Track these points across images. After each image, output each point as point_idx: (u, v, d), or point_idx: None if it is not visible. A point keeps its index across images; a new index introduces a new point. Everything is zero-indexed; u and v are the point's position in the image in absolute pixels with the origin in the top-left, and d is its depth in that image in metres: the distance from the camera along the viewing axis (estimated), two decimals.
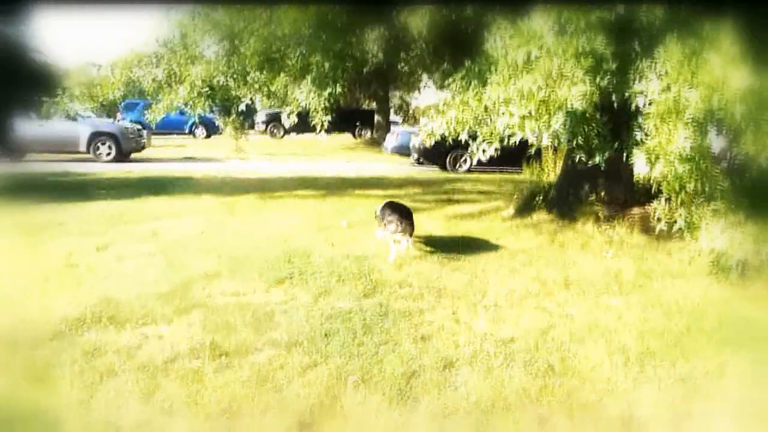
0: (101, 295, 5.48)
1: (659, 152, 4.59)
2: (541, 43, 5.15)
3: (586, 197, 8.67)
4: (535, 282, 6.19)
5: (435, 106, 6.12)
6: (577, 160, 5.60)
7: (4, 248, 7.02)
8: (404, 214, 7.04)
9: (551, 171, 15.41)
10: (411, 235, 6.98)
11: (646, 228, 7.99)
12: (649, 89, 4.86)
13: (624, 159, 5.50)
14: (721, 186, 4.70)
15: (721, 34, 4.75)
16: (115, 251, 7.03)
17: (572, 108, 4.75)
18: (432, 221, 9.04)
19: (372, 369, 4.26)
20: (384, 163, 19.93)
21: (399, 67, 15.13)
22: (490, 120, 5.46)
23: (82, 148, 17.07)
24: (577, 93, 4.72)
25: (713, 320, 5.15)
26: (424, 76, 22.89)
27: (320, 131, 8.27)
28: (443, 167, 17.86)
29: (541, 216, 8.85)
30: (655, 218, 5.36)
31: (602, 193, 8.57)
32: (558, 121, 4.75)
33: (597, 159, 5.51)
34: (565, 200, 8.89)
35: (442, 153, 17.52)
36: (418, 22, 8.87)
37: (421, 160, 18.96)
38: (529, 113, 4.83)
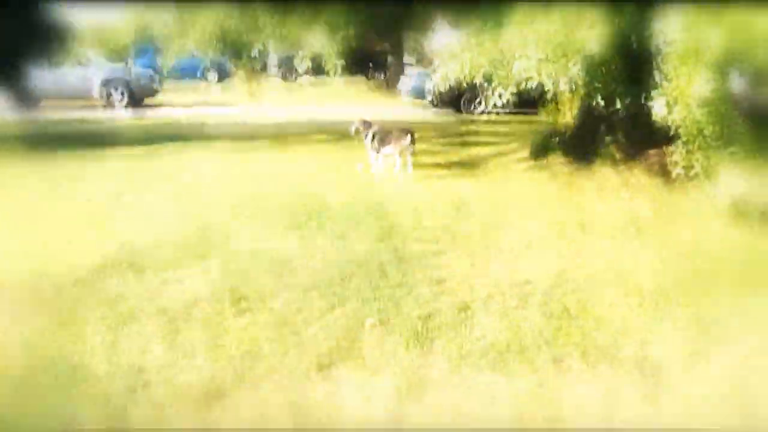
0: (121, 242, 5.56)
1: (678, 96, 4.49)
2: None
3: (602, 140, 8.54)
4: (550, 225, 6.19)
5: (450, 49, 5.99)
6: (595, 105, 5.49)
7: (23, 197, 7.12)
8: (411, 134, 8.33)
9: (567, 112, 15.19)
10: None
11: (664, 170, 7.90)
12: (669, 29, 4.73)
13: (642, 101, 5.41)
14: (740, 130, 4.60)
15: None
16: (132, 197, 7.09)
17: (590, 52, 4.63)
18: (446, 165, 9.01)
19: (388, 312, 4.31)
20: (398, 107, 19.73)
21: (413, 6, 14.78)
22: (506, 63, 5.34)
23: (95, 94, 17.03)
24: (595, 35, 4.60)
25: (731, 262, 5.14)
26: (440, 17, 22.36)
27: (334, 75, 8.18)
28: (458, 110, 17.67)
29: (557, 159, 8.77)
30: (672, 162, 5.28)
31: (619, 136, 8.43)
32: (576, 65, 4.63)
33: (617, 105, 5.41)
34: (581, 143, 8.77)
35: (456, 96, 17.28)
36: None
37: (436, 103, 18.74)
38: (546, 57, 4.72)
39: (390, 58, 28.91)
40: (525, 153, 9.41)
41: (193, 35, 8.54)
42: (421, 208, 6.70)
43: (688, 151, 4.86)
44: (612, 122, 8.55)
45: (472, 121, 15.27)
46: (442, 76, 6.02)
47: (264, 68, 29.81)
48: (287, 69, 29.26)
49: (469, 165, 9.02)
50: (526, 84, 5.19)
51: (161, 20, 8.55)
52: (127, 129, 12.72)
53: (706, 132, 4.56)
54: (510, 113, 15.27)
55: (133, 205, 6.84)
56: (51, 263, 5.11)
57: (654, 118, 8.64)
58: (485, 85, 5.67)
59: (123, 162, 8.95)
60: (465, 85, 6.18)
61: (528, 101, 7.71)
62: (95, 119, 14.38)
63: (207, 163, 9.06)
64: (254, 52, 9.50)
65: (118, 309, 4.32)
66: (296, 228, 6.03)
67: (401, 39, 28.69)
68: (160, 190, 7.42)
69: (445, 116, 16.59)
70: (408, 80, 21.38)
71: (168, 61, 9.14)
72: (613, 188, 7.52)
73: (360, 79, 29.85)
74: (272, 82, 27.77)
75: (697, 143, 4.72)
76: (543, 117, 14.79)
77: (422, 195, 7.22)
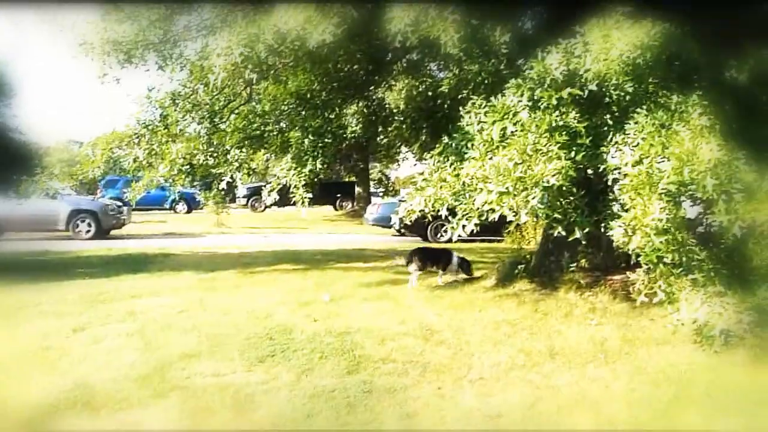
0: (76, 380, 5.32)
1: (636, 225, 4.64)
2: (517, 119, 5.26)
3: (567, 265, 8.68)
4: (521, 353, 6.12)
5: (414, 183, 6.14)
6: (555, 235, 5.62)
7: None
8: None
9: (532, 239, 15.57)
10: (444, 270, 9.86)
11: (628, 295, 8.00)
12: (622, 162, 4.97)
13: (602, 230, 5.57)
14: (699, 257, 4.73)
15: (689, 106, 4.90)
16: (92, 333, 6.85)
17: (549, 183, 4.81)
18: (414, 293, 9.00)
19: None
20: (365, 235, 20.00)
21: (378, 140, 15.39)
22: (468, 196, 5.50)
23: (61, 226, 16.93)
24: (552, 168, 4.80)
25: (702, 388, 5.10)
26: (403, 148, 23.25)
27: (301, 207, 8.29)
28: (425, 237, 17.97)
29: (522, 285, 8.82)
30: (636, 290, 5.35)
31: (583, 261, 8.58)
32: (535, 198, 4.79)
33: (577, 234, 5.57)
34: (546, 269, 8.90)
35: (423, 224, 17.66)
36: (395, 97, 9.10)
37: (402, 231, 19.06)
38: (507, 190, 4.87)
39: (357, 188, 29.66)
40: (492, 280, 9.47)
41: (162, 169, 8.66)
42: (389, 338, 6.59)
43: (650, 279, 4.95)
44: (575, 249, 8.73)
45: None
46: (407, 210, 6.13)
47: (233, 199, 30.32)
48: (256, 199, 29.71)
49: (437, 293, 9.03)
50: (488, 216, 5.31)
51: (132, 156, 8.66)
52: (90, 261, 12.53)
53: (667, 260, 4.67)
54: (475, 240, 15.62)
55: (91, 340, 6.59)
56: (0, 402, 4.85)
57: (616, 244, 8.93)
58: (450, 218, 5.76)
59: (83, 295, 8.73)
60: (429, 217, 6.23)
61: (492, 228, 7.85)
62: (60, 250, 14.20)
63: (170, 295, 8.90)
64: (223, 184, 9.63)
65: None
66: (260, 362, 5.86)
67: (367, 170, 29.67)
68: (119, 324, 7.20)
69: (412, 244, 16.76)
70: (374, 209, 21.85)
71: (136, 194, 9.19)
72: (580, 314, 7.54)
73: (328, 208, 30.40)
74: (241, 212, 28.06)
75: (658, 271, 4.82)
76: (508, 243, 15.16)
77: (390, 324, 7.14)
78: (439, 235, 17.88)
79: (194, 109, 8.20)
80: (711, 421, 4.52)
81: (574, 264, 8.56)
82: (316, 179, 8.26)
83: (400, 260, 10.36)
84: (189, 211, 29.43)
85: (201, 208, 26.74)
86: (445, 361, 5.91)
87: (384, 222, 20.65)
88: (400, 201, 19.63)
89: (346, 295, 8.79)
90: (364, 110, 9.06)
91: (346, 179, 33.03)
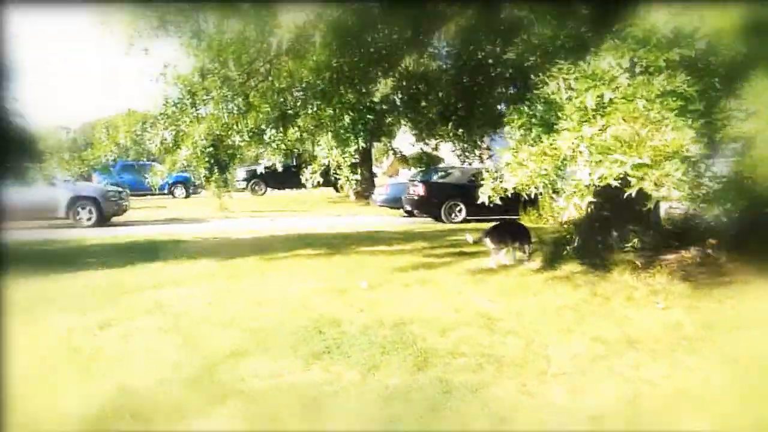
0: (117, 384, 4.77)
1: None
2: (615, 84, 4.69)
3: (616, 245, 8.20)
4: (596, 342, 5.63)
5: (510, 158, 5.47)
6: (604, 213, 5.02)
7: None
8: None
9: (549, 216, 15.09)
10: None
11: (686, 275, 7.56)
12: (742, 130, 4.44)
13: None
14: None
15: None
16: (121, 329, 6.29)
17: (689, 153, 4.25)
18: (456, 278, 8.48)
19: None
20: (374, 216, 19.46)
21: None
22: (562, 169, 4.94)
23: (61, 213, 16.27)
24: (690, 138, 4.24)
25: None
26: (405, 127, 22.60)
27: (350, 191, 7.73)
28: (438, 218, 17.44)
29: (572, 267, 8.33)
30: None
31: (635, 240, 8.10)
32: (679, 170, 4.22)
33: (716, 211, 5.05)
34: (594, 248, 8.40)
35: (437, 204, 17.19)
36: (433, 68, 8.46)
37: (414, 212, 18.53)
38: (644, 161, 4.29)
39: (360, 169, 28.98)
40: (537, 262, 8.98)
41: (185, 151, 8.02)
42: (449, 328, 6.08)
43: None
44: (624, 228, 8.27)
45: (458, 230, 14.92)
46: (497, 188, 5.52)
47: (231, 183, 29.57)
48: (255, 182, 29.08)
49: (481, 277, 8.51)
50: (623, 192, 4.72)
51: (159, 137, 7.96)
52: (98, 250, 11.91)
53: None
54: (490, 220, 15.14)
55: (122, 338, 6.03)
56: (36, 412, 4.30)
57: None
58: (554, 196, 5.21)
59: (100, 286, 8.15)
60: (509, 195, 5.57)
61: (508, 206, 6.98)
62: (62, 239, 13.57)
63: (194, 285, 8.34)
64: (261, 167, 9.04)
65: None
66: (316, 359, 5.33)
67: (370, 150, 28.95)
68: (148, 318, 6.64)
69: (427, 225, 16.27)
70: (383, 190, 21.31)
71: (158, 179, 8.56)
72: (642, 297, 7.07)
73: (329, 190, 29.73)
74: (240, 196, 27.37)
75: None
76: (525, 221, 14.64)
77: (444, 313, 6.64)
78: (453, 215, 17.35)
79: (224, 85, 7.55)
80: None
81: (627, 244, 8.08)
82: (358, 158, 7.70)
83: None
84: (187, 196, 28.71)
85: (199, 192, 26.04)
86: (518, 353, 5.41)
87: (393, 203, 20.14)
88: (409, 181, 19.09)
89: (383, 281, 8.27)
90: (403, 83, 8.46)
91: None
